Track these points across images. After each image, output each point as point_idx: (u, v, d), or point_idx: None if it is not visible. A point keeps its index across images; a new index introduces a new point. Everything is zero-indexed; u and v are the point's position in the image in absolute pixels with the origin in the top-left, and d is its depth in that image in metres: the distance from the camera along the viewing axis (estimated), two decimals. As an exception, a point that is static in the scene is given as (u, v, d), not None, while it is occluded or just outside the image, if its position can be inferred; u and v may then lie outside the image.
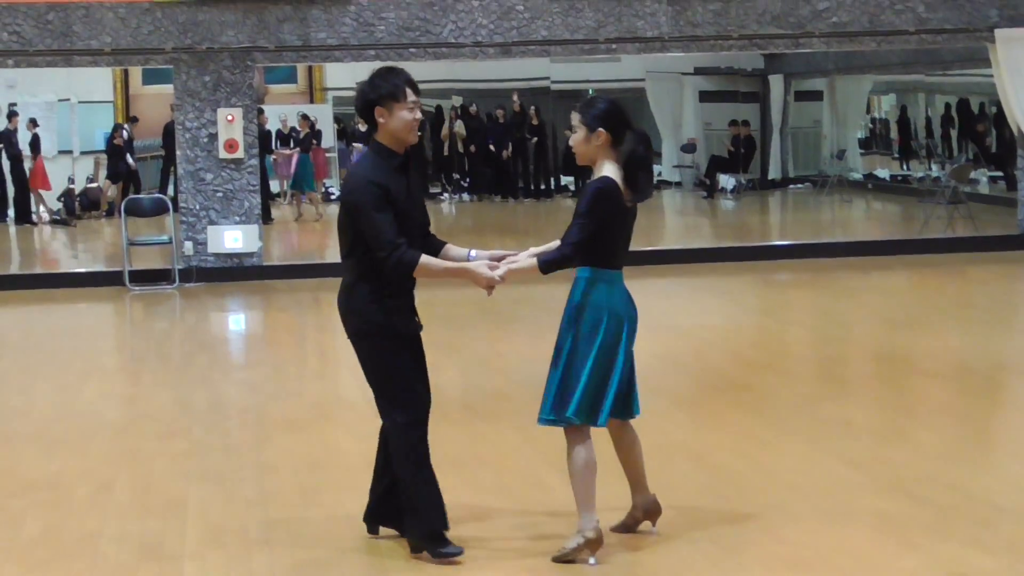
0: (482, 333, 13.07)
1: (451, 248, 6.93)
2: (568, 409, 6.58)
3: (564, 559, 6.60)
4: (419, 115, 6.74)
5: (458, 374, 11.65)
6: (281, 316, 16.08)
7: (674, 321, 14.46)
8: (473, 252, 6.86)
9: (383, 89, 6.65)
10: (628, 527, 7.07)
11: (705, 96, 33.19)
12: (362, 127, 29.42)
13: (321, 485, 8.15)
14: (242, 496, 7.91)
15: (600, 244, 6.63)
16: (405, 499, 6.75)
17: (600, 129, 6.62)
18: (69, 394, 11.29)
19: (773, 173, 32.90)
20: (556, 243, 6.70)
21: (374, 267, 6.57)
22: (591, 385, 6.60)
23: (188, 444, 9.30)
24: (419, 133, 6.84)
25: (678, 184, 33.24)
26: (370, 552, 6.86)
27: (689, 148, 32.67)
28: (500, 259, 6.80)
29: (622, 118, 6.70)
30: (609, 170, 6.61)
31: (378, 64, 19.65)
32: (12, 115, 27.25)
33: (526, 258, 6.72)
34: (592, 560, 6.61)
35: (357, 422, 9.82)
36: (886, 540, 6.87)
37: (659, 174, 33.61)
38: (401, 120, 6.65)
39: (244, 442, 9.44)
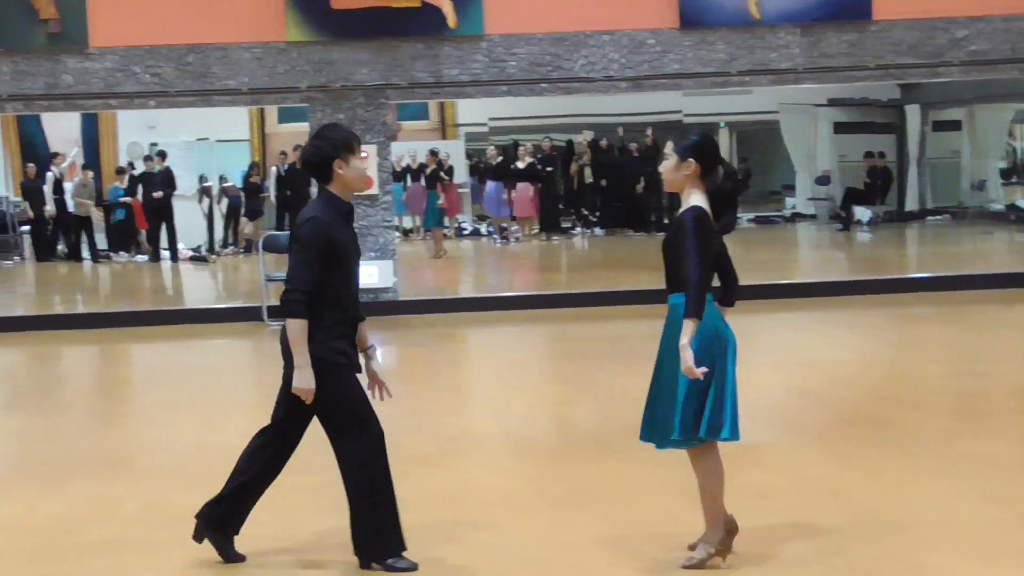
0: (613, 368, 13.05)
1: (363, 329, 7.30)
2: (700, 429, 6.76)
3: (695, 567, 6.87)
4: (367, 165, 7.31)
5: (590, 410, 11.64)
6: (416, 351, 16.14)
7: (809, 355, 14.39)
8: (374, 348, 7.41)
9: (338, 142, 7.02)
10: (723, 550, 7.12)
11: (840, 127, 32.90)
12: (494, 162, 29.67)
13: (458, 520, 8.13)
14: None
15: None
16: (360, 523, 7.11)
17: (690, 159, 6.85)
18: (211, 429, 11.36)
19: (910, 205, 32.53)
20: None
21: (328, 302, 6.93)
22: (717, 402, 6.79)
23: (325, 478, 9.24)
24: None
25: (812, 217, 32.97)
26: None
27: (824, 180, 32.39)
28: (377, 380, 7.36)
29: (712, 151, 6.97)
30: (697, 199, 6.84)
31: (511, 99, 19.96)
32: (150, 158, 27.86)
33: (685, 334, 6.66)
34: (724, 564, 6.92)
35: (493, 457, 9.93)
36: (1033, 579, 6.66)
37: (793, 207, 33.49)
38: (356, 170, 7.02)
39: (381, 476, 9.44)
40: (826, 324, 16.91)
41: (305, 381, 6.81)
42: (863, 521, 7.77)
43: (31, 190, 28.34)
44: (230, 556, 7.35)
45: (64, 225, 28.42)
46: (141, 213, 28.08)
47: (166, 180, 27.47)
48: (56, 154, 29.17)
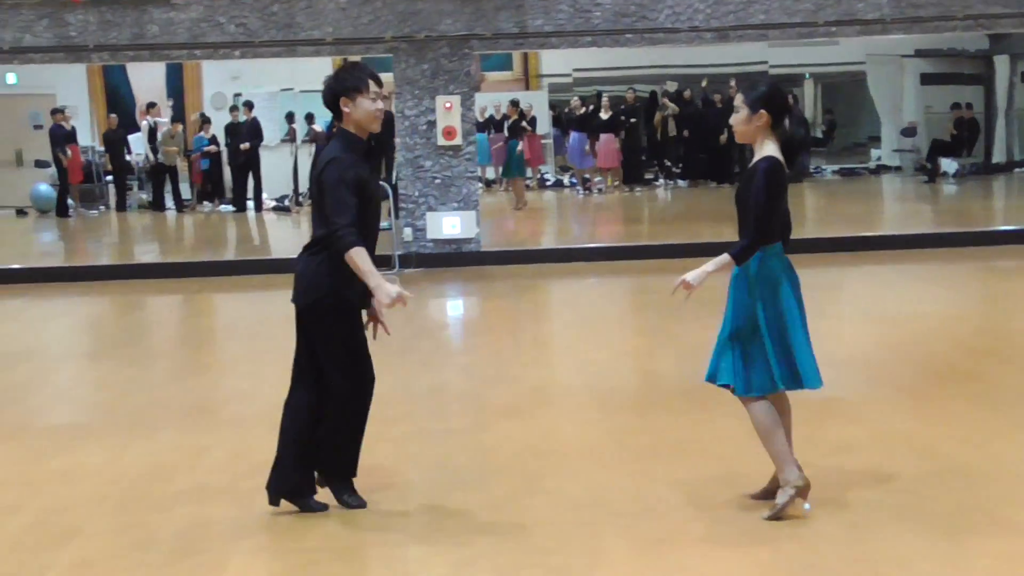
0: (695, 320, 13.01)
1: (362, 259, 7.13)
2: (778, 379, 6.90)
3: (778, 516, 6.90)
4: (381, 105, 7.23)
5: (674, 362, 11.60)
6: (498, 302, 16.17)
7: (895, 309, 14.28)
8: (386, 283, 7.20)
9: (348, 82, 7.15)
10: (769, 493, 7.18)
11: (926, 79, 32.53)
12: (576, 111, 29.56)
13: (542, 470, 8.15)
14: (464, 480, 7.96)
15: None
16: (325, 449, 7.40)
17: (762, 110, 6.94)
18: None
19: (997, 157, 32.15)
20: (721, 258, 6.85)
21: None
22: (798, 351, 6.92)
23: (411, 428, 9.38)
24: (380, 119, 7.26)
25: (898, 169, 32.70)
26: (594, 543, 6.80)
27: (910, 132, 32.06)
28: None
29: (783, 101, 7.05)
30: (771, 149, 6.93)
31: (594, 50, 19.88)
32: (235, 108, 27.99)
33: (712, 262, 6.81)
34: (807, 505, 6.95)
35: (577, 408, 9.93)
36: (1126, 534, 6.62)
37: (878, 158, 33.20)
38: (364, 109, 7.14)
39: (465, 427, 9.48)
40: (912, 277, 16.82)
41: (386, 294, 6.90)
42: (946, 474, 7.74)
43: (113, 140, 28.60)
44: (312, 506, 7.49)
45: (155, 174, 28.68)
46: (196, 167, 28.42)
47: (253, 131, 27.64)
48: (153, 104, 29.40)
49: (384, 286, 6.90)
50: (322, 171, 7.07)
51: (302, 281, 7.18)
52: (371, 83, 7.13)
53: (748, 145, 7.17)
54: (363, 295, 7.11)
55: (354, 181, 6.98)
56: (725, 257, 6.76)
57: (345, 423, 7.32)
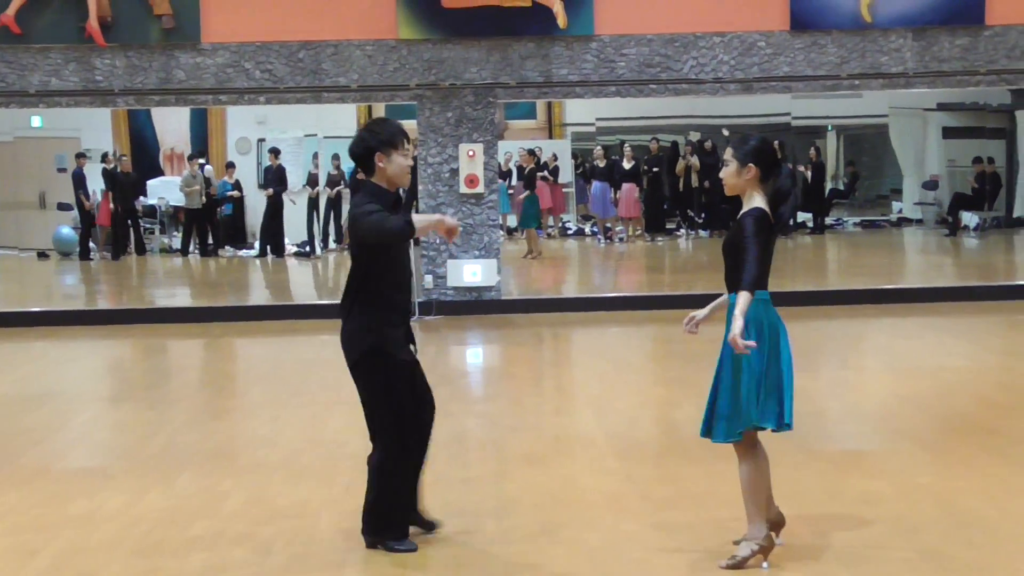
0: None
1: (419, 218, 7.47)
2: (776, 417, 6.96)
3: (737, 566, 6.95)
4: (411, 161, 7.38)
5: (695, 411, 11.53)
6: (519, 350, 16.17)
7: (917, 361, 14.25)
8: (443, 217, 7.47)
9: (383, 136, 7.29)
10: (777, 526, 7.24)
11: (949, 132, 32.58)
12: (600, 163, 29.60)
13: (562, 519, 8.15)
14: (484, 528, 7.97)
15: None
16: (375, 504, 7.48)
17: (751, 164, 7.05)
18: (315, 425, 11.46)
19: (1019, 211, 32.09)
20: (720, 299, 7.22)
21: (372, 297, 7.25)
22: (783, 393, 6.97)
23: (430, 476, 9.21)
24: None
25: (919, 221, 32.70)
26: None
27: (931, 185, 32.08)
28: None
29: (772, 155, 7.16)
30: (759, 201, 7.05)
31: (618, 100, 19.90)
32: (274, 152, 28.08)
33: (738, 308, 6.85)
34: (765, 564, 6.99)
35: (597, 458, 9.93)
36: None
37: (900, 211, 33.24)
38: (398, 165, 7.27)
39: (485, 475, 9.47)
40: (934, 330, 16.74)
41: (423, 223, 7.34)
42: (968, 529, 7.72)
43: (125, 184, 28.52)
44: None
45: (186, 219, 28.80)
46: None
47: (278, 178, 27.74)
48: (204, 151, 29.54)
49: (424, 223, 7.35)
50: (351, 225, 7.26)
51: (344, 340, 7.34)
52: (403, 140, 7.28)
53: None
54: (402, 347, 7.29)
55: (379, 211, 7.12)
56: (744, 295, 6.81)
57: (390, 481, 7.43)
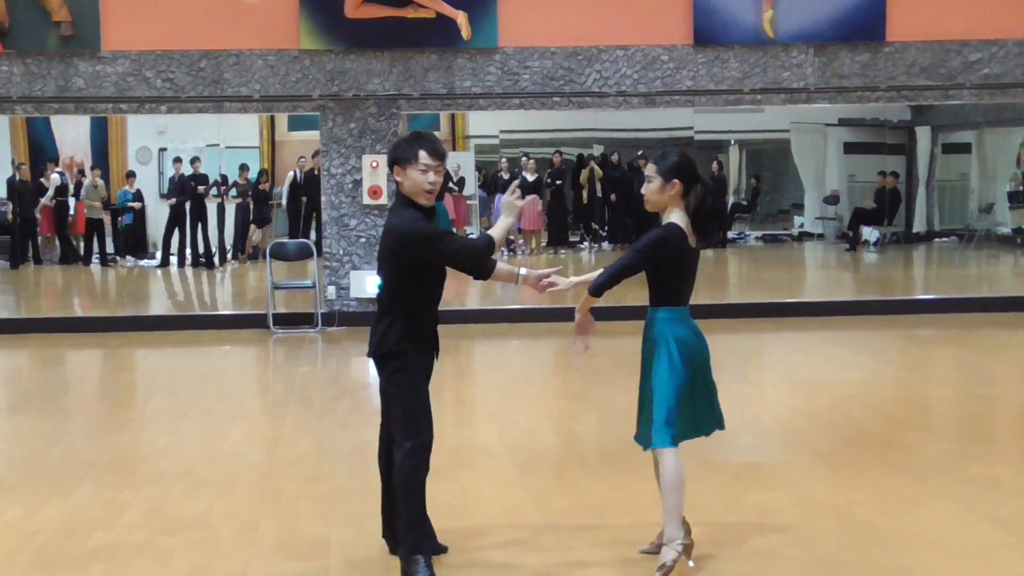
0: (617, 383, 13.05)
1: (503, 266, 7.51)
2: (672, 432, 7.04)
3: (668, 572, 6.98)
4: (433, 177, 7.20)
5: (596, 424, 11.67)
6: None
7: (815, 375, 14.38)
8: (523, 271, 7.51)
9: (400, 152, 7.21)
10: (658, 548, 7.27)
11: (850, 148, 32.99)
12: (504, 175, 29.72)
13: (462, 533, 8.17)
14: (382, 541, 7.92)
15: (667, 285, 7.17)
16: (400, 519, 7.25)
17: (675, 180, 7.08)
18: (215, 436, 11.45)
19: (918, 226, 32.55)
20: (596, 273, 7.29)
21: (403, 300, 7.23)
22: (682, 406, 7.07)
23: (330, 488, 9.42)
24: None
25: (820, 236, 33.01)
26: None
27: (832, 200, 32.43)
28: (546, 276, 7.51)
29: (694, 170, 7.16)
30: (676, 217, 7.10)
31: (522, 113, 19.89)
32: (179, 160, 27.85)
33: (582, 279, 7.39)
34: (691, 563, 7.16)
35: (497, 470, 9.97)
36: (1036, 604, 6.67)
37: (801, 225, 33.54)
38: (412, 180, 7.15)
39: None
40: (833, 344, 16.94)
41: (501, 231, 7.46)
42: (863, 541, 7.82)
43: (22, 192, 28.22)
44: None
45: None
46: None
47: (180, 187, 27.52)
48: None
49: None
50: (391, 237, 7.22)
51: (373, 339, 7.30)
52: (422, 155, 7.15)
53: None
54: (430, 351, 7.42)
55: (432, 227, 7.18)
56: (586, 298, 7.15)
57: (418, 491, 7.32)
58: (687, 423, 7.14)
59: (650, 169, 7.17)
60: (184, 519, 8.56)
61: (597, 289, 7.07)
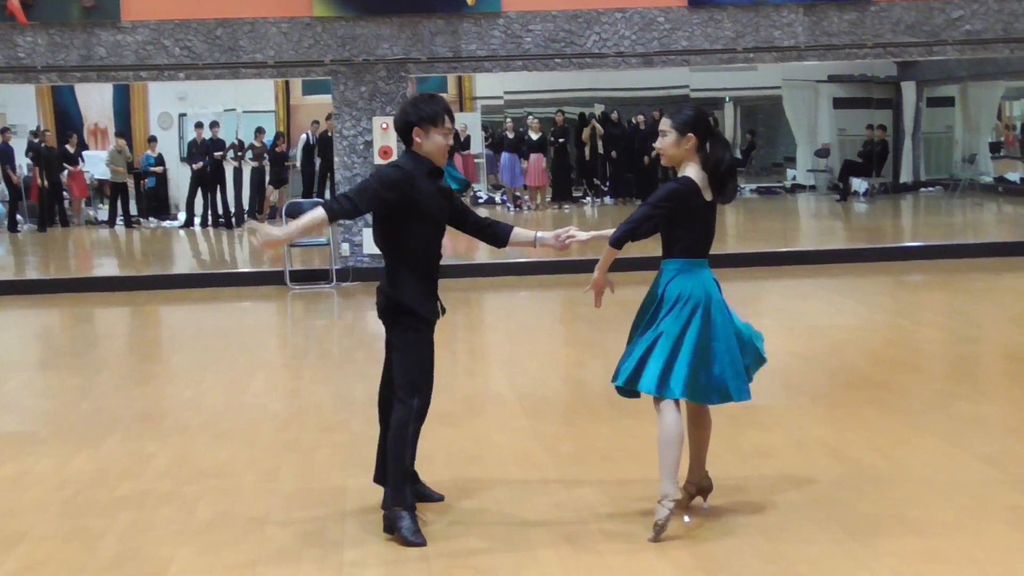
0: (625, 332, 13.40)
1: (519, 231, 7.52)
2: (675, 385, 6.85)
3: (662, 530, 6.82)
4: (451, 140, 7.18)
5: (602, 371, 11.81)
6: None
7: (810, 320, 14.61)
8: (539, 233, 7.49)
9: (424, 112, 7.08)
10: (692, 496, 7.36)
11: (839, 103, 33.37)
12: (509, 134, 30.15)
13: (473, 477, 8.29)
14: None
15: (677, 238, 7.01)
16: (391, 474, 7.13)
17: (690, 134, 6.95)
18: (237, 388, 11.62)
19: (905, 177, 32.96)
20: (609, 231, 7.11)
21: (413, 255, 7.15)
22: (694, 361, 6.89)
23: (347, 436, 9.52)
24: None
25: (812, 188, 33.36)
26: (520, 544, 6.93)
27: (823, 153, 32.89)
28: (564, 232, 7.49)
29: (708, 124, 7.06)
30: (692, 171, 6.96)
31: (525, 74, 20.23)
32: (200, 125, 28.13)
33: (600, 232, 7.34)
34: (687, 518, 7.11)
35: (507, 417, 10.10)
36: (1022, 536, 6.83)
37: (794, 178, 33.92)
38: (435, 143, 7.09)
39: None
40: (826, 290, 17.14)
41: (268, 234, 6.93)
42: (857, 478, 7.94)
43: (48, 158, 28.63)
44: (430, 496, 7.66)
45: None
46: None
47: (203, 150, 27.78)
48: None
49: (278, 233, 7.03)
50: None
51: (381, 296, 7.24)
52: (446, 118, 7.09)
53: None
54: (433, 310, 7.18)
55: (388, 176, 6.97)
56: (608, 250, 6.98)
57: (410, 443, 7.15)
58: (710, 386, 6.94)
59: (665, 123, 7.02)
60: (208, 468, 8.69)
61: (616, 241, 6.88)
